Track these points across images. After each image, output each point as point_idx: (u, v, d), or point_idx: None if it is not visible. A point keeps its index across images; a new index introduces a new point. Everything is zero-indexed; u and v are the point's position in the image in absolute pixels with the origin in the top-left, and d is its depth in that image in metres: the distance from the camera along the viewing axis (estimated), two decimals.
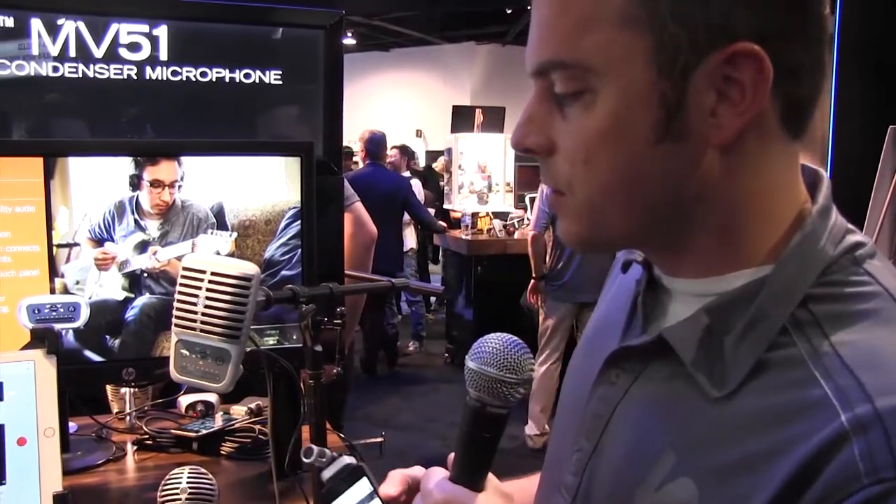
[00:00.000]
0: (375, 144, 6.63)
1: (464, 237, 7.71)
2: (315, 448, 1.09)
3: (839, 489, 0.59)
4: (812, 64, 0.71)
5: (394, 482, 0.98)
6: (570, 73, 0.71)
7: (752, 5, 0.67)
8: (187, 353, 1.21)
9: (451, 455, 0.90)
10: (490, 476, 0.89)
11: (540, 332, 5.45)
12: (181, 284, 1.21)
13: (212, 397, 2.18)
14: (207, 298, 1.19)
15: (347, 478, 1.08)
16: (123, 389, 2.14)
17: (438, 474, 0.88)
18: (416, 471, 0.99)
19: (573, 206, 0.76)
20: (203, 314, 1.19)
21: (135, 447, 2.00)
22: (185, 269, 1.21)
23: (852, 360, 0.64)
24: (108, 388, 2.18)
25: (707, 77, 0.68)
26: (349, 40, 15.55)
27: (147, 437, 2.03)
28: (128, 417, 2.14)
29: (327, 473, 1.09)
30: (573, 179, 0.74)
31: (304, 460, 1.10)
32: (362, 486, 1.07)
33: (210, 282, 1.20)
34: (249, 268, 1.22)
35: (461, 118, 10.91)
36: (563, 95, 0.73)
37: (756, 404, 0.67)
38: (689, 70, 0.68)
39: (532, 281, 5.42)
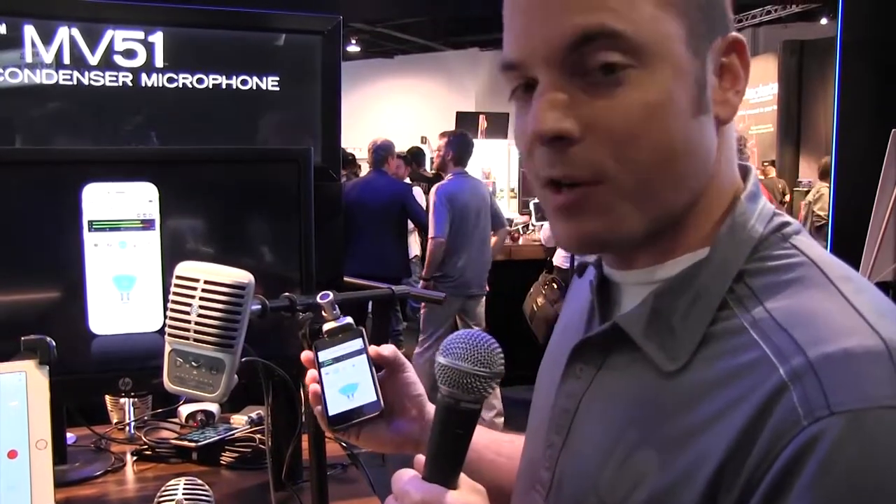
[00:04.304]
0: (377, 153, 6.69)
1: None
2: (331, 295, 1.22)
3: (785, 433, 0.65)
4: None
5: (385, 348, 1.18)
6: (622, 45, 0.72)
7: (727, 10, 0.79)
8: (181, 363, 1.19)
9: (417, 456, 0.91)
10: (462, 474, 0.88)
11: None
12: (174, 293, 1.19)
13: (212, 407, 2.16)
14: (201, 307, 1.18)
15: (344, 334, 1.21)
16: (123, 399, 2.13)
17: (408, 474, 0.88)
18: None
19: (611, 193, 0.75)
20: (197, 323, 1.17)
21: (134, 458, 1.99)
22: (178, 277, 1.19)
23: (784, 320, 0.71)
24: (108, 398, 2.17)
25: (713, 60, 0.77)
26: (353, 47, 15.58)
27: (146, 447, 2.01)
28: (127, 428, 2.12)
29: (326, 326, 1.22)
30: (613, 163, 0.74)
31: (320, 301, 1.23)
32: (354, 343, 1.20)
33: (203, 290, 1.18)
34: (243, 276, 1.20)
35: (465, 124, 10.93)
36: (606, 70, 0.73)
37: (706, 372, 0.73)
38: (706, 53, 0.76)
39: (422, 282, 5.73)
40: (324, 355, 1.20)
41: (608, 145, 0.74)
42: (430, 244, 5.70)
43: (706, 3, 0.76)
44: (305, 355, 1.21)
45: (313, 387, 1.17)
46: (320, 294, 1.24)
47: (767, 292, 0.75)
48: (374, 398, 1.16)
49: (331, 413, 1.16)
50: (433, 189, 5.85)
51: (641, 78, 0.73)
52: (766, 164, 12.95)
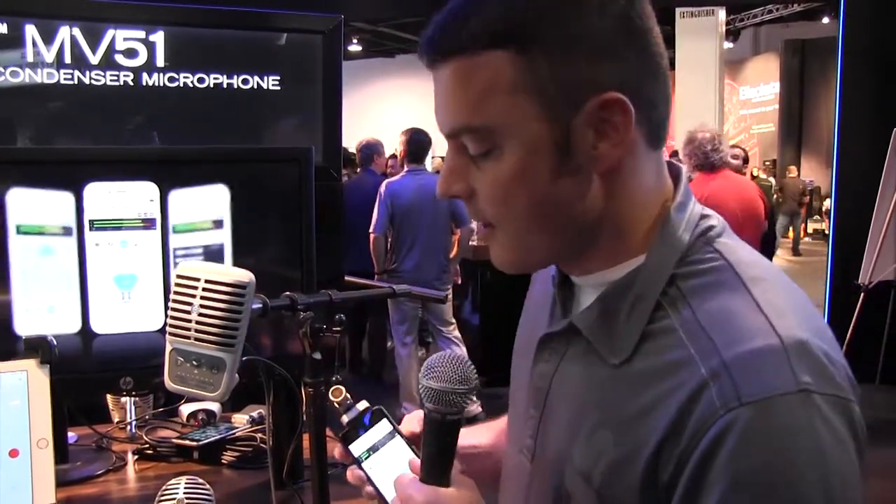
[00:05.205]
0: (362, 152, 6.86)
1: (470, 243, 7.67)
2: (343, 388, 1.20)
3: (706, 421, 0.80)
4: (661, 87, 0.91)
5: (414, 421, 1.17)
6: (478, 135, 0.89)
7: (611, 61, 0.87)
8: (182, 362, 1.19)
9: (411, 459, 1.09)
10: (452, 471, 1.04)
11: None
12: (175, 293, 1.19)
13: (213, 406, 2.16)
14: (202, 306, 1.18)
15: (367, 419, 1.17)
16: (124, 399, 2.13)
17: (408, 477, 1.04)
18: None
19: (501, 237, 0.94)
20: (197, 322, 1.17)
21: (135, 457, 1.99)
22: (178, 276, 1.19)
23: (707, 323, 0.86)
24: (109, 397, 2.17)
25: (585, 122, 0.87)
26: (354, 47, 15.59)
27: (147, 446, 2.02)
28: (128, 427, 2.12)
29: (346, 417, 1.18)
30: (496, 217, 0.93)
31: (332, 398, 1.19)
32: (382, 427, 1.17)
33: (204, 289, 1.18)
34: (244, 275, 1.20)
35: None
36: (474, 153, 0.90)
37: (645, 366, 0.88)
38: (571, 119, 0.87)
39: (375, 276, 5.75)
40: (357, 448, 1.15)
41: (487, 205, 0.93)
42: (370, 239, 5.76)
43: (566, 77, 0.87)
44: (339, 452, 1.17)
45: (368, 489, 1.14)
46: (332, 389, 1.19)
47: (694, 294, 0.89)
48: None
49: None
50: (381, 185, 5.89)
51: (502, 155, 0.89)
52: (767, 163, 12.95)
